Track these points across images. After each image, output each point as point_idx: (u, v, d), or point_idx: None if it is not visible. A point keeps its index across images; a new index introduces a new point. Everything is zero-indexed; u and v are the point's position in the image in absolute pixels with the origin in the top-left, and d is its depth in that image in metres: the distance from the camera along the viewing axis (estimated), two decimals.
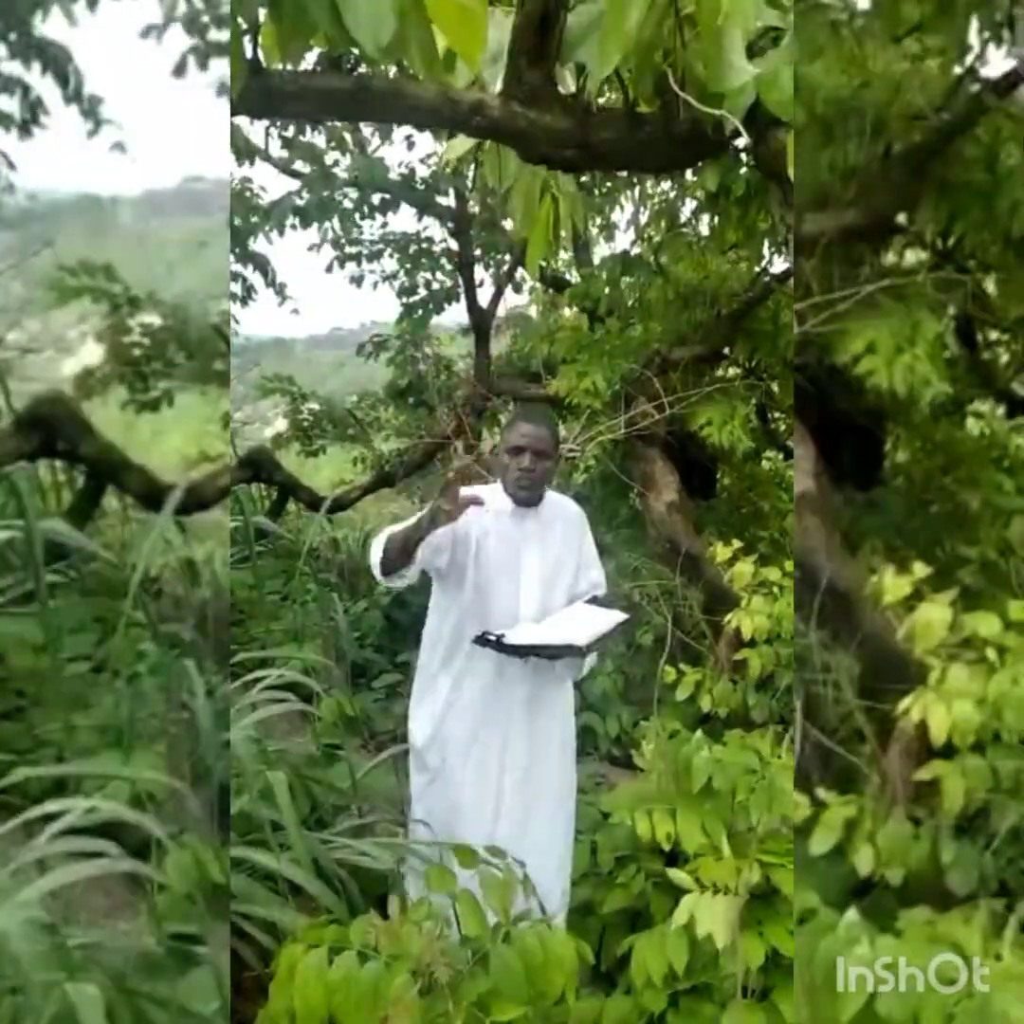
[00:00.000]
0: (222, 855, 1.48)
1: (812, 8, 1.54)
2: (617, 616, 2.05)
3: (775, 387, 4.53)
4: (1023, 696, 1.41)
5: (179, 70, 2.41)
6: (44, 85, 2.73)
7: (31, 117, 2.85)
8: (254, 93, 1.53)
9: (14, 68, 2.71)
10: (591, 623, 1.98)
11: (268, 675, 2.13)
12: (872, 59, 1.61)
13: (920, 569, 1.43)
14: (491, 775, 2.05)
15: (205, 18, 2.60)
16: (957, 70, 1.61)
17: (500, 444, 2.13)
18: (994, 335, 2.07)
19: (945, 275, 1.59)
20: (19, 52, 2.68)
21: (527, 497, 2.07)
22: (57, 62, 2.69)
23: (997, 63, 1.52)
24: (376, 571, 1.94)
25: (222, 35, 2.55)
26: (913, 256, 1.78)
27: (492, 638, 1.87)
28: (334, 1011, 1.26)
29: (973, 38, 1.53)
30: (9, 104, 2.81)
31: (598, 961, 2.03)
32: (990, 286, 1.85)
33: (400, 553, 1.85)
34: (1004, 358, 2.03)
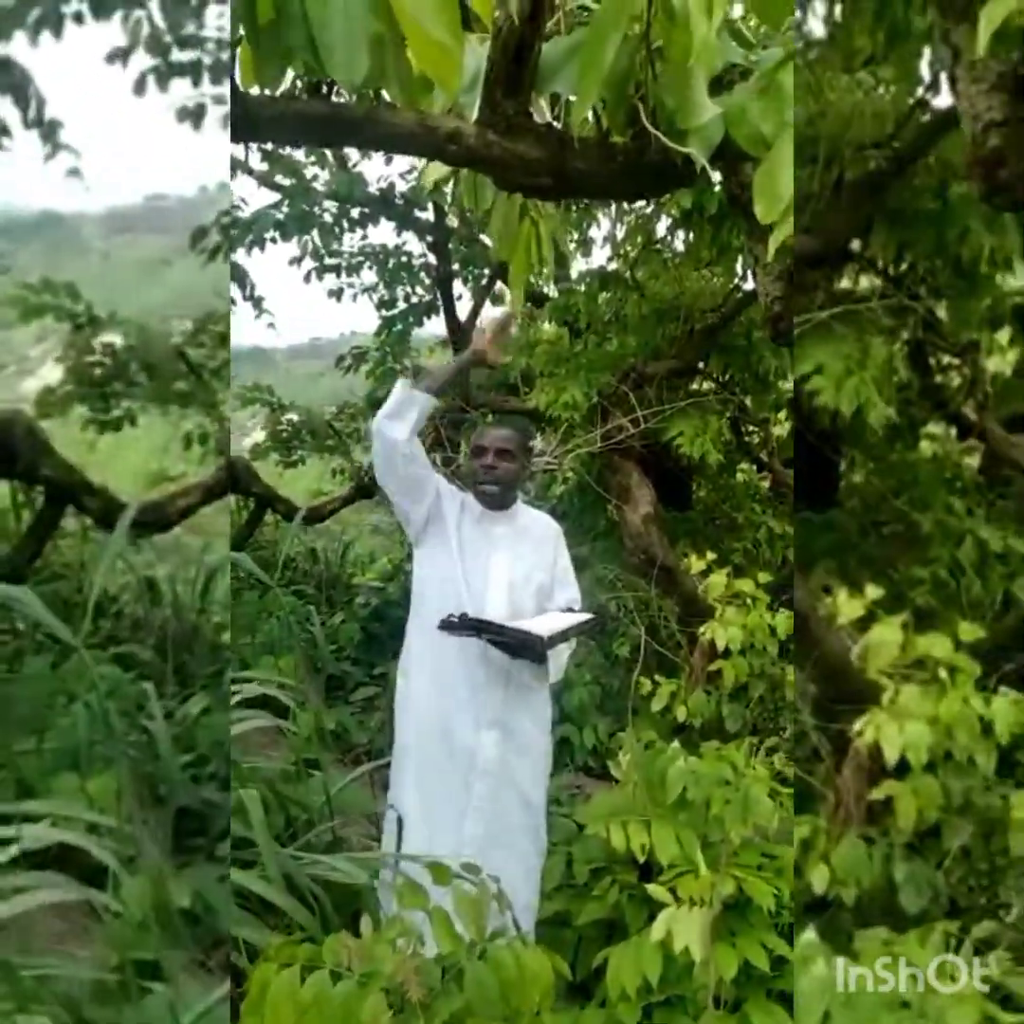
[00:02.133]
0: (219, 877, 1.44)
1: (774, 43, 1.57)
2: (581, 615, 2.08)
3: (748, 401, 4.59)
4: (974, 716, 1.44)
5: (139, 89, 2.41)
6: (4, 106, 2.73)
7: None
8: (231, 117, 1.54)
9: None
10: (554, 620, 2.01)
11: (242, 689, 2.12)
12: (827, 89, 1.65)
13: (873, 590, 1.46)
14: (461, 774, 2.05)
15: (167, 38, 2.60)
16: (909, 100, 1.66)
17: (469, 449, 2.17)
18: (946, 360, 2.12)
19: (897, 301, 1.63)
20: None
21: (491, 498, 2.09)
22: (18, 85, 2.68)
23: (947, 95, 1.56)
24: (389, 404, 1.98)
25: (183, 55, 2.57)
26: (866, 282, 1.82)
27: (454, 618, 1.90)
28: None
29: (924, 69, 1.58)
30: None
31: (573, 972, 2.03)
32: (941, 312, 1.90)
33: (430, 379, 2.01)
34: (955, 382, 2.08)
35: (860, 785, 1.46)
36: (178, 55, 2.52)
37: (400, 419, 1.98)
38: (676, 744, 2.16)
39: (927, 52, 1.50)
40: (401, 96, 1.44)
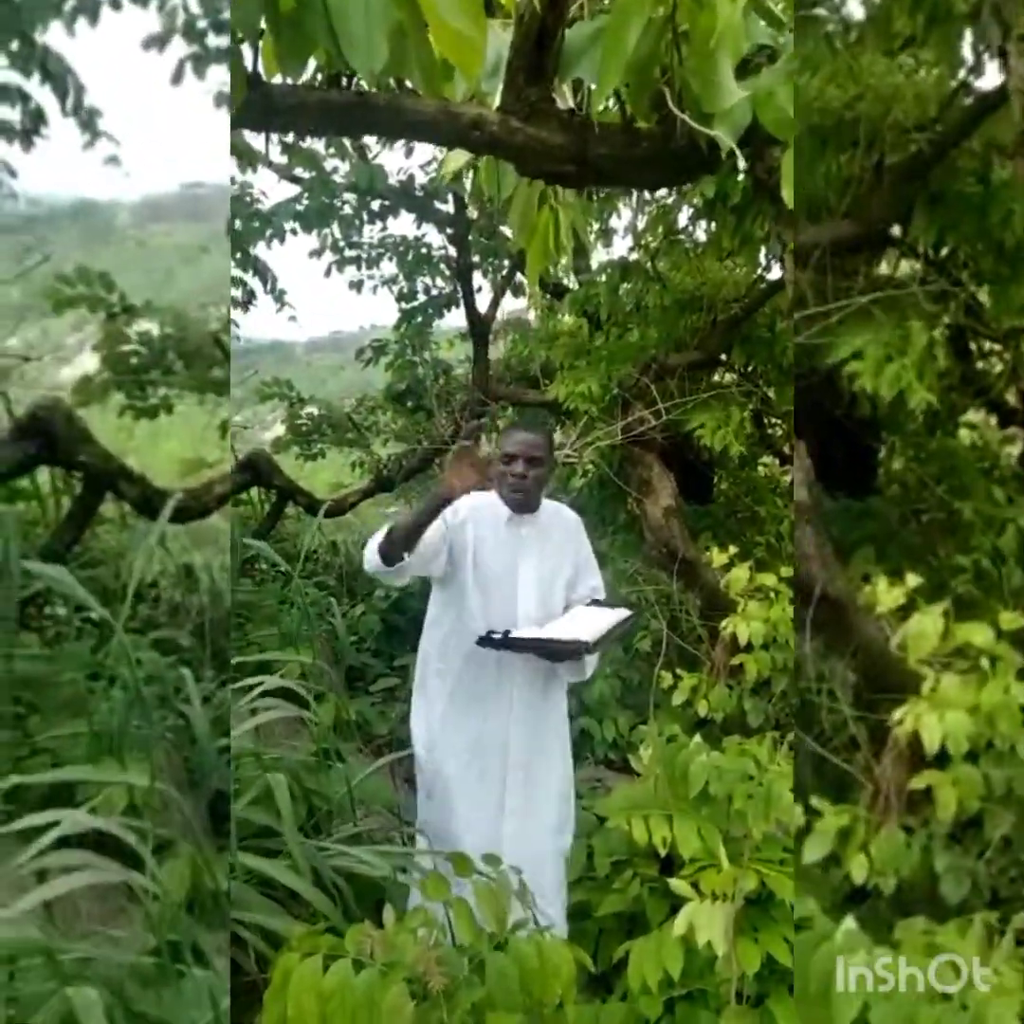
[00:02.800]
0: (221, 861, 1.47)
1: (807, 21, 1.55)
2: (621, 613, 2.07)
3: (771, 393, 4.54)
4: (1015, 705, 1.42)
5: (177, 77, 2.42)
6: (44, 95, 2.76)
7: (32, 127, 2.85)
8: (253, 105, 1.54)
9: (14, 77, 2.73)
10: (595, 621, 2.00)
11: (264, 680, 2.13)
12: (867, 72, 1.62)
13: (913, 579, 1.44)
14: (494, 776, 2.06)
15: (202, 23, 2.61)
16: (951, 83, 1.63)
17: (496, 452, 2.15)
18: (987, 346, 2.08)
19: (938, 286, 1.60)
20: (19, 63, 2.68)
21: (520, 503, 2.09)
22: (56, 73, 2.70)
23: (991, 76, 1.54)
24: (373, 559, 1.90)
25: (221, 41, 2.57)
26: (907, 267, 1.79)
27: (497, 636, 1.88)
28: (328, 1019, 1.25)
29: (967, 50, 1.55)
30: (10, 114, 2.83)
31: (594, 965, 2.04)
32: (983, 297, 1.86)
33: (403, 539, 1.85)
34: (997, 369, 2.04)
35: (900, 775, 1.44)
36: (214, 40, 2.53)
37: (396, 570, 1.90)
38: (698, 738, 2.15)
39: (969, 33, 1.47)
40: (423, 84, 1.43)
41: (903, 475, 1.90)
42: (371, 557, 1.93)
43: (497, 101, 1.82)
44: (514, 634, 1.89)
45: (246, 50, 1.44)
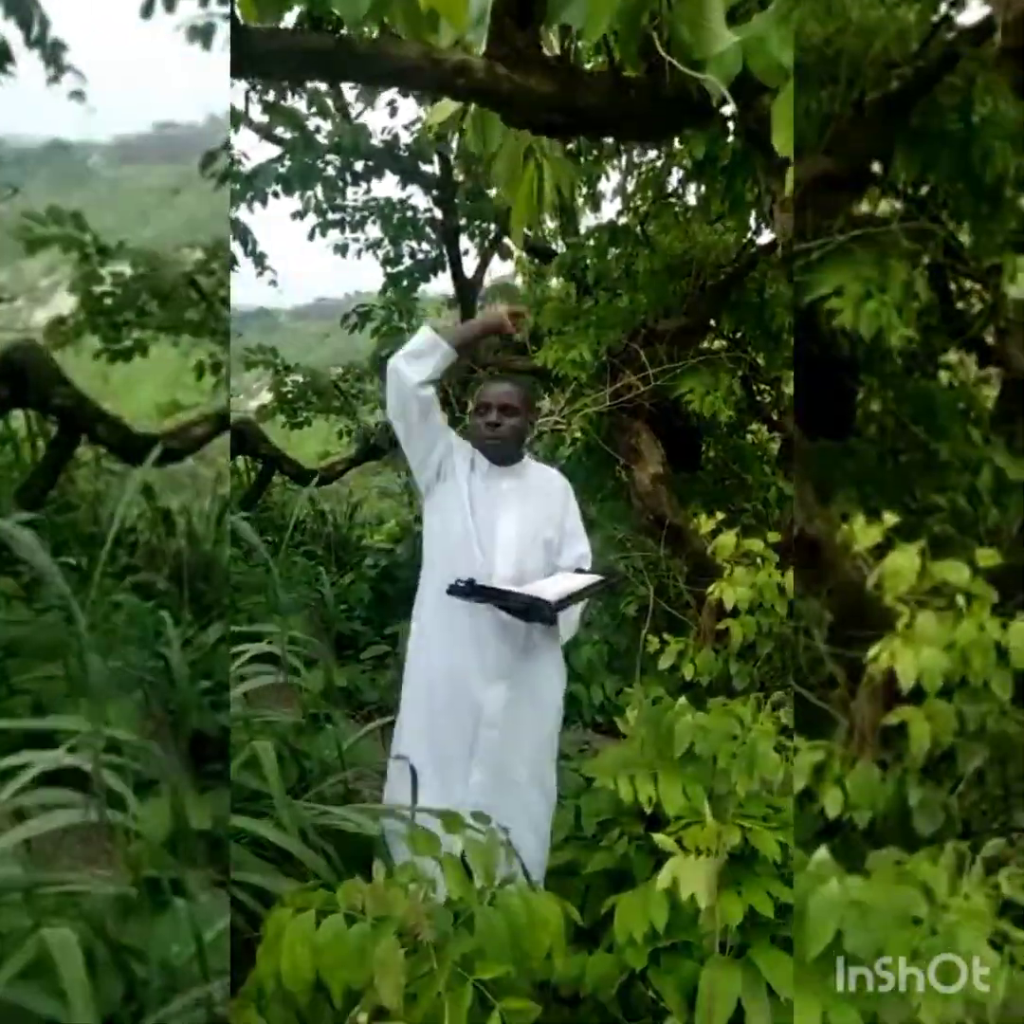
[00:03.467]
0: (219, 798, 1.47)
1: None
2: (590, 577, 2.07)
3: (760, 359, 4.53)
4: (990, 642, 1.44)
5: (146, 11, 2.35)
6: (9, 30, 2.67)
7: None
8: (234, 51, 1.50)
9: None
10: (563, 583, 2.00)
11: (251, 648, 2.14)
12: (848, 7, 1.59)
13: (890, 517, 1.45)
14: (467, 727, 2.07)
15: None
16: (933, 17, 1.60)
17: (473, 407, 2.15)
18: (967, 284, 2.08)
19: (918, 224, 1.59)
20: None
21: (497, 453, 2.08)
22: (21, 5, 2.62)
23: (973, 10, 1.51)
24: (402, 368, 1.96)
25: None
26: (886, 206, 1.77)
27: (462, 584, 1.89)
28: (321, 972, 1.28)
29: None
30: None
31: (582, 920, 2.07)
32: (963, 236, 1.85)
33: (459, 344, 2.01)
34: (976, 308, 2.04)
35: (874, 711, 1.46)
36: None
37: (420, 361, 1.96)
38: (684, 699, 2.17)
39: None
40: (406, 28, 1.40)
41: (881, 416, 1.90)
42: (422, 344, 1.99)
43: (481, 51, 1.78)
44: (479, 584, 1.90)
45: None
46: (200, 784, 1.52)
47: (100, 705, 1.52)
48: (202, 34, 2.44)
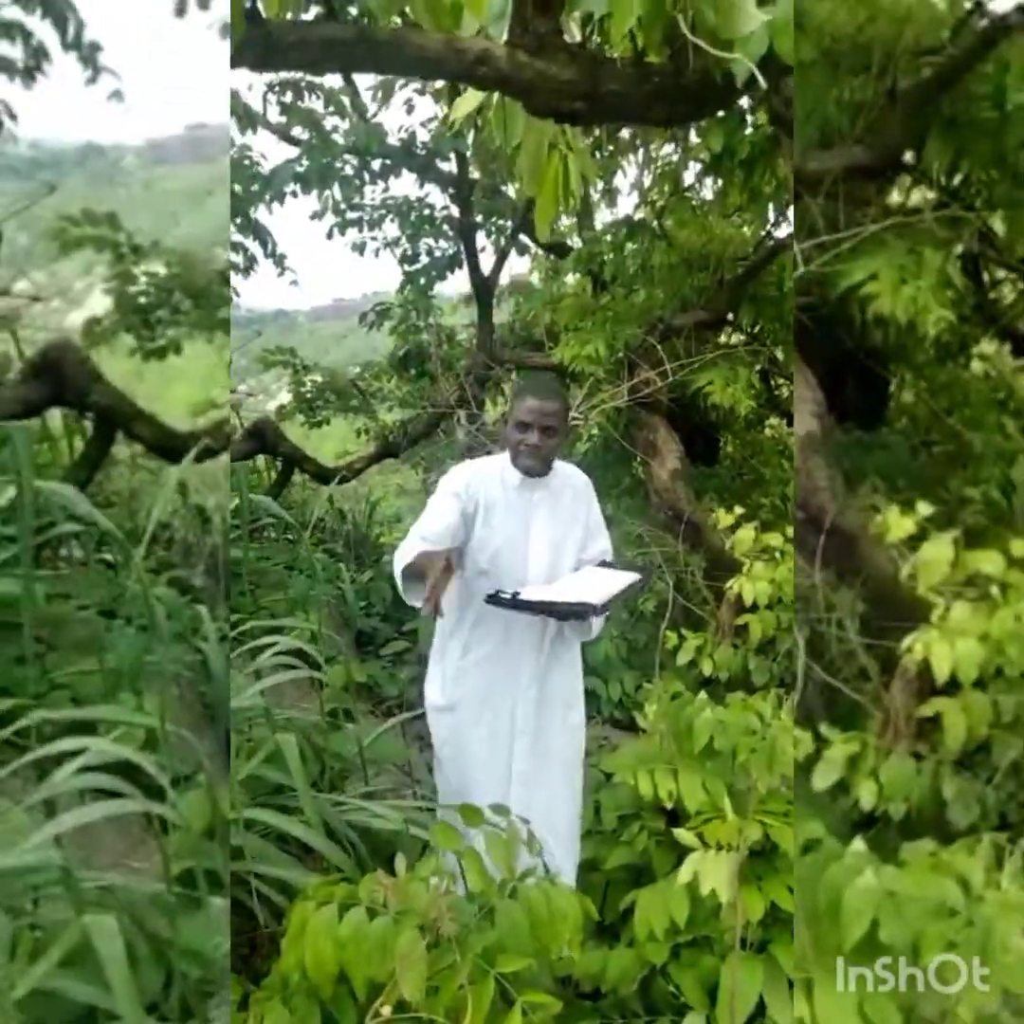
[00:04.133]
0: (223, 793, 1.49)
1: None
2: (630, 576, 2.05)
3: (778, 353, 4.50)
4: None
5: (180, 10, 2.36)
6: (45, 31, 2.70)
7: (34, 64, 2.80)
8: (253, 43, 1.51)
9: (16, 13, 2.67)
10: (604, 583, 1.98)
11: (277, 641, 2.16)
12: None
13: (924, 508, 1.44)
14: (502, 739, 2.07)
15: None
16: (965, 5, 1.59)
17: (509, 416, 2.11)
18: (1001, 274, 2.05)
19: (951, 213, 1.57)
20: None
21: (533, 470, 2.07)
22: (56, 7, 2.64)
23: None
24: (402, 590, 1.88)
25: None
26: (919, 196, 1.76)
27: (505, 596, 1.87)
28: (344, 965, 1.29)
29: None
30: (12, 51, 2.77)
31: (602, 916, 2.07)
32: (997, 224, 1.83)
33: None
34: (1010, 297, 2.01)
35: (909, 702, 1.45)
36: None
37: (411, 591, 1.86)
38: (703, 694, 2.17)
39: None
40: (428, 18, 1.40)
41: (914, 407, 1.88)
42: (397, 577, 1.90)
43: (504, 39, 1.77)
44: (522, 595, 1.88)
45: None
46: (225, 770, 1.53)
47: (138, 699, 1.54)
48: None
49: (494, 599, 1.88)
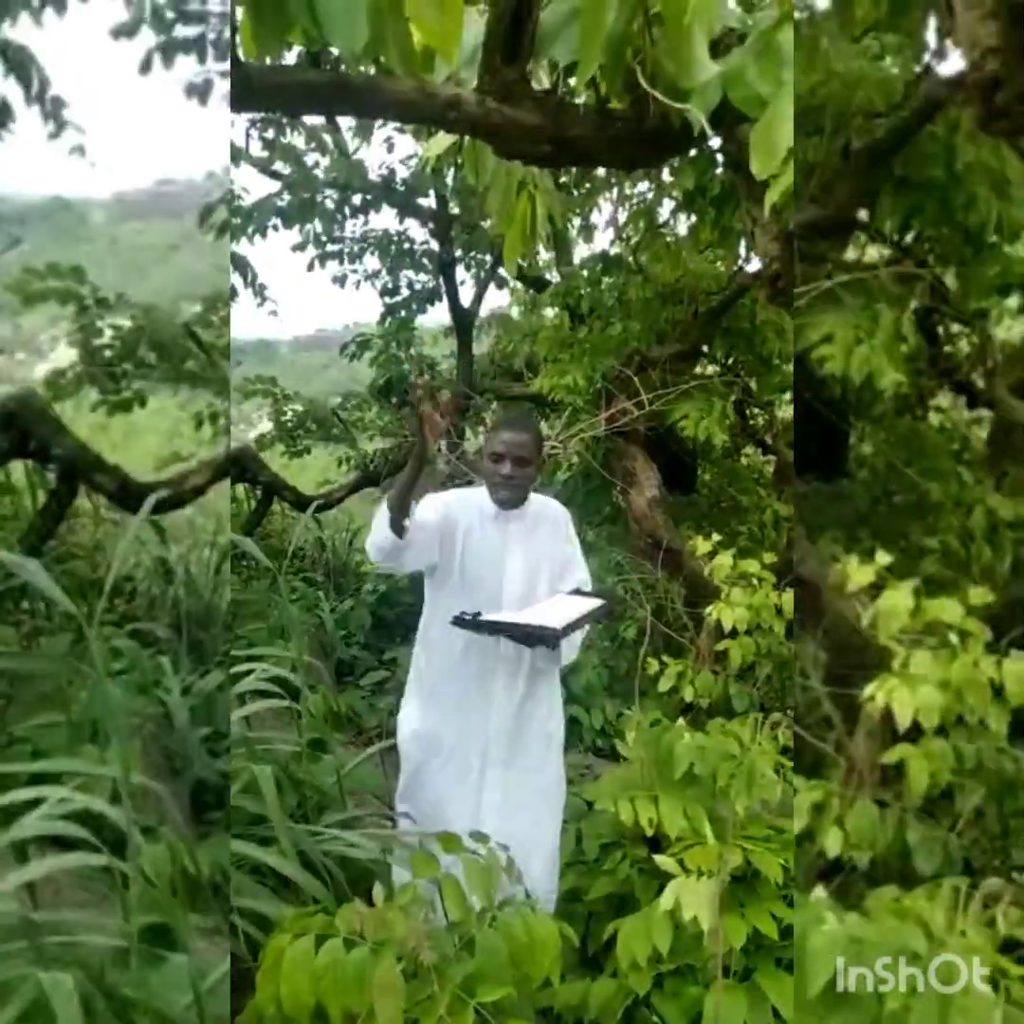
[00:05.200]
0: (219, 846, 1.48)
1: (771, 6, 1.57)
2: (592, 602, 2.08)
3: (753, 383, 4.58)
4: (985, 679, 1.46)
5: (145, 67, 2.40)
6: (10, 88, 2.72)
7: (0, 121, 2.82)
8: (234, 86, 1.55)
9: None
10: (566, 608, 2.01)
11: (254, 669, 2.14)
12: (831, 57, 1.65)
13: (883, 557, 1.47)
14: (472, 769, 2.07)
15: (170, 14, 2.57)
16: (915, 68, 1.66)
17: (484, 449, 2.14)
18: (955, 328, 2.12)
19: (904, 269, 1.63)
20: None
21: (508, 501, 2.10)
22: (21, 64, 2.67)
23: (954, 61, 1.56)
24: (381, 539, 1.92)
25: (187, 31, 2.54)
26: (873, 252, 1.81)
27: (467, 617, 1.90)
28: (321, 997, 1.27)
29: (930, 36, 1.57)
30: None
31: (585, 946, 2.06)
32: (950, 279, 1.89)
33: (399, 503, 1.89)
34: (964, 350, 2.08)
35: (872, 750, 1.47)
36: (182, 31, 2.50)
37: (387, 528, 1.92)
38: (681, 721, 2.18)
39: (932, 19, 1.50)
40: (400, 64, 1.44)
41: (873, 458, 1.93)
42: (379, 538, 1.94)
43: (474, 86, 1.83)
44: (485, 616, 1.91)
45: (224, 33, 1.44)
46: (201, 831, 1.52)
47: (100, 752, 1.53)
48: (200, 91, 2.50)
49: (458, 620, 1.91)
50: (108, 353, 2.85)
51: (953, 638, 1.47)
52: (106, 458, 2.70)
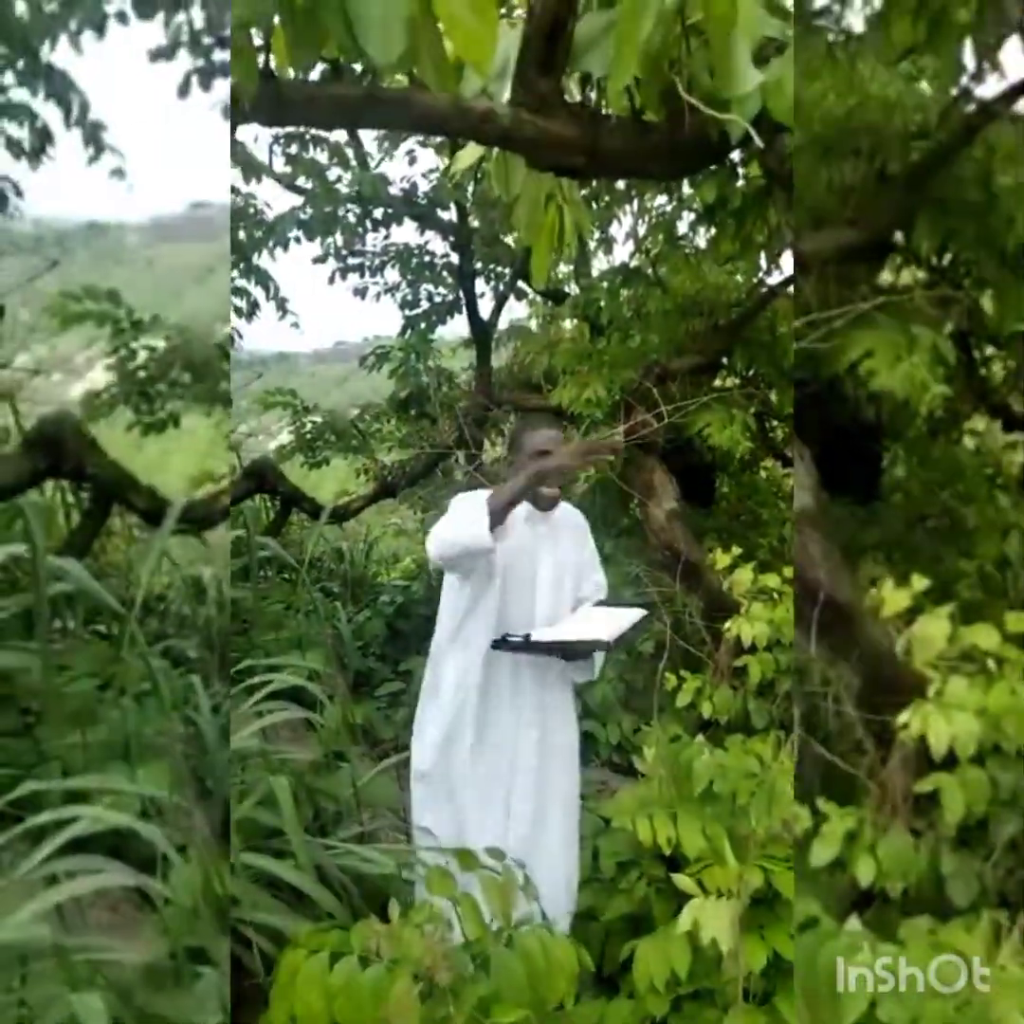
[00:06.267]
0: (223, 868, 1.48)
1: (810, 30, 1.57)
2: (636, 612, 2.07)
3: (773, 396, 4.56)
4: (1022, 707, 1.43)
5: (183, 91, 2.43)
6: (50, 112, 2.78)
7: (39, 145, 2.88)
8: (265, 101, 1.55)
9: (22, 95, 2.76)
10: (612, 620, 2.00)
11: (271, 680, 2.14)
12: (868, 80, 1.64)
13: (919, 582, 1.45)
14: (501, 780, 2.07)
15: (208, 39, 2.62)
16: (952, 91, 1.65)
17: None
18: (991, 351, 2.10)
19: (941, 292, 1.61)
20: (26, 80, 2.71)
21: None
22: (61, 88, 2.72)
23: (992, 83, 1.55)
24: (467, 540, 1.81)
25: (226, 55, 2.57)
26: (909, 275, 1.80)
27: (516, 639, 1.88)
28: (335, 1016, 1.26)
29: (968, 58, 1.56)
30: (19, 132, 2.87)
31: (601, 967, 2.04)
32: (986, 303, 1.87)
33: (503, 511, 1.84)
34: (1000, 374, 2.06)
35: (906, 778, 1.45)
36: (220, 55, 2.53)
37: (485, 529, 1.80)
38: (701, 737, 2.16)
39: (969, 42, 1.49)
40: (434, 77, 1.44)
41: (907, 482, 1.91)
42: (465, 537, 1.82)
43: (505, 99, 1.83)
44: (535, 637, 1.88)
45: (258, 46, 1.45)
46: (225, 849, 1.52)
47: (131, 771, 1.53)
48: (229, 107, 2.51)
49: (503, 643, 1.88)
50: (142, 374, 2.89)
51: (990, 665, 1.45)
52: (139, 478, 2.73)
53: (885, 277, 1.79)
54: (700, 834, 1.88)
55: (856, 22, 1.61)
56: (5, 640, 1.84)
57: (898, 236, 1.72)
